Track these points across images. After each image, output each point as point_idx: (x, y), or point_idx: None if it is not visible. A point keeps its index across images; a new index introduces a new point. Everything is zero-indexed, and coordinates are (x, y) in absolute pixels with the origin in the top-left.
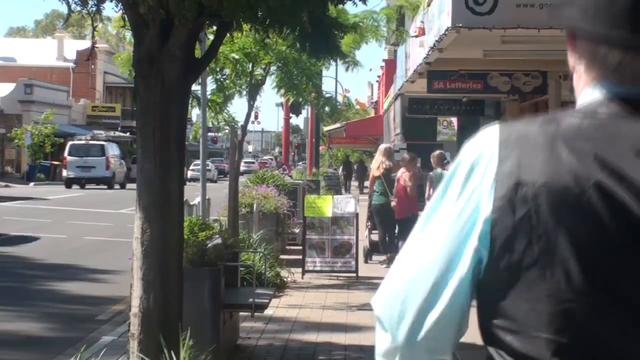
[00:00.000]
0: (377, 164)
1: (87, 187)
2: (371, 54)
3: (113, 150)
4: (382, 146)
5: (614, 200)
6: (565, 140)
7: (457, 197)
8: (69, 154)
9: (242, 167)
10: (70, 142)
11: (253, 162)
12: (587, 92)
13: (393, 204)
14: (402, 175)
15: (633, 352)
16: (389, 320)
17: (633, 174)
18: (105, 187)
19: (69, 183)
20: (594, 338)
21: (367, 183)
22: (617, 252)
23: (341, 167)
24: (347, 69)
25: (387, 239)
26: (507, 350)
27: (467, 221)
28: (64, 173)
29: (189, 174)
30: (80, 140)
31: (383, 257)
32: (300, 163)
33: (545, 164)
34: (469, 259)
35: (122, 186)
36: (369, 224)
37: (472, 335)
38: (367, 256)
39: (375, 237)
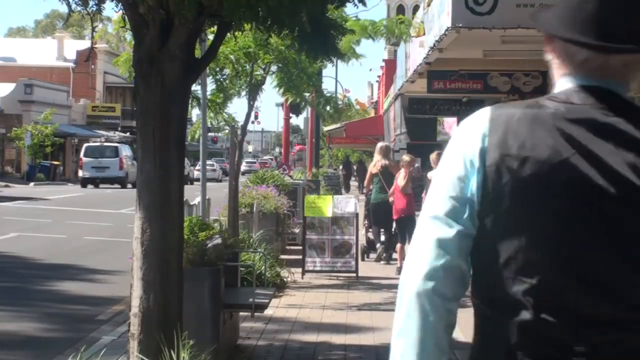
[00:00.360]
0: (374, 162)
1: (101, 186)
2: (371, 54)
3: (126, 151)
4: (379, 144)
5: (582, 171)
6: (544, 122)
7: (456, 169)
8: (85, 155)
9: (244, 167)
10: (85, 144)
11: (254, 162)
12: (562, 82)
13: (391, 199)
14: (398, 176)
15: (546, 271)
16: (410, 270)
17: (597, 150)
18: (119, 186)
19: (84, 183)
20: (555, 283)
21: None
22: (582, 213)
23: (341, 167)
24: (347, 63)
25: (381, 235)
26: (491, 297)
27: (464, 185)
28: (80, 173)
29: (195, 173)
30: (95, 142)
31: (384, 254)
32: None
33: (527, 140)
34: (469, 209)
35: (135, 185)
36: (366, 222)
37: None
38: (364, 254)
39: (372, 235)
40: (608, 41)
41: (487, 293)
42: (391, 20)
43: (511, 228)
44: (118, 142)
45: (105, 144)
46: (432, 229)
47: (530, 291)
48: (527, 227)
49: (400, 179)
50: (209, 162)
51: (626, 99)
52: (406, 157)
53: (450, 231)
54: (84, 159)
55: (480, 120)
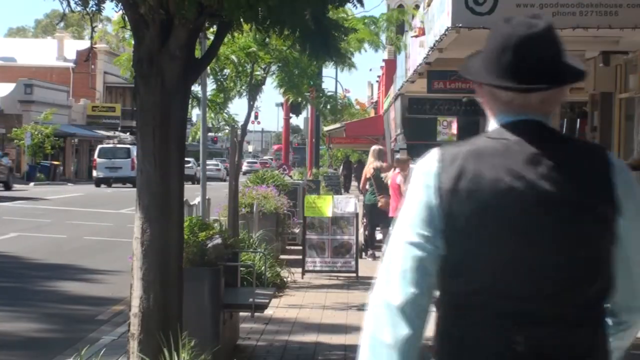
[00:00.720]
0: (367, 165)
1: (113, 185)
2: (371, 54)
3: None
4: (373, 147)
5: (516, 190)
6: (485, 157)
7: (418, 198)
8: (98, 156)
9: (245, 167)
10: (99, 146)
11: (255, 162)
12: (493, 121)
13: (380, 203)
14: (395, 175)
15: (491, 277)
16: (384, 284)
17: (526, 173)
18: (131, 185)
19: (98, 182)
20: (500, 283)
21: None
22: (520, 224)
23: (341, 167)
24: (342, 70)
25: (377, 234)
26: (447, 288)
27: (426, 210)
28: (94, 173)
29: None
30: (109, 143)
31: (370, 252)
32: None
33: (473, 173)
34: (431, 229)
35: None
36: (364, 221)
37: None
38: (362, 252)
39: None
40: (526, 84)
41: (448, 296)
42: (391, 15)
43: (465, 245)
44: (130, 144)
45: (118, 145)
46: (406, 253)
47: (481, 293)
48: (477, 243)
49: (402, 180)
50: (213, 161)
51: (547, 127)
52: (402, 157)
53: (421, 254)
54: (98, 160)
55: (431, 162)
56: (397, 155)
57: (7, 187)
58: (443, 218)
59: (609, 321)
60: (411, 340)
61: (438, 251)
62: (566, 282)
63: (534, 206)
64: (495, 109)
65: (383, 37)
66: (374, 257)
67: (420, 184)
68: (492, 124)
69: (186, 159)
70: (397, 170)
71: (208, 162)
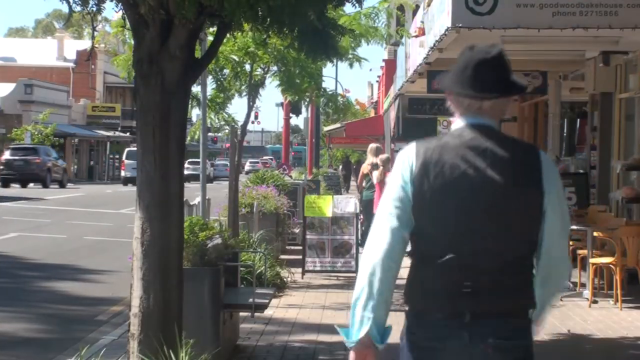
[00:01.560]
0: (366, 162)
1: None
2: (371, 54)
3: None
4: (371, 145)
5: (468, 175)
6: (448, 150)
7: (397, 179)
8: (126, 158)
9: (247, 167)
10: (127, 149)
11: (257, 162)
12: (457, 122)
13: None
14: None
15: (459, 252)
16: (372, 244)
17: (477, 162)
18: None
19: (126, 181)
20: (454, 243)
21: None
22: (471, 201)
23: (340, 167)
24: (350, 66)
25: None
26: (418, 258)
27: (402, 192)
28: (122, 173)
29: (212, 172)
30: (135, 147)
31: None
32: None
33: (438, 162)
34: (404, 209)
35: None
36: (361, 217)
37: None
38: (359, 246)
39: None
40: (480, 92)
41: (417, 252)
42: (390, 10)
43: (430, 214)
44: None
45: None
46: (389, 216)
47: (440, 249)
48: (439, 212)
49: (378, 174)
50: (222, 161)
51: (495, 129)
52: (383, 156)
53: (397, 222)
54: (126, 161)
55: (409, 153)
56: (383, 155)
57: (62, 186)
58: (414, 195)
59: (534, 271)
60: (390, 271)
61: (409, 218)
62: (502, 244)
63: (481, 187)
64: (459, 112)
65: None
66: None
67: (400, 169)
68: (456, 123)
69: (195, 159)
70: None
71: (216, 162)
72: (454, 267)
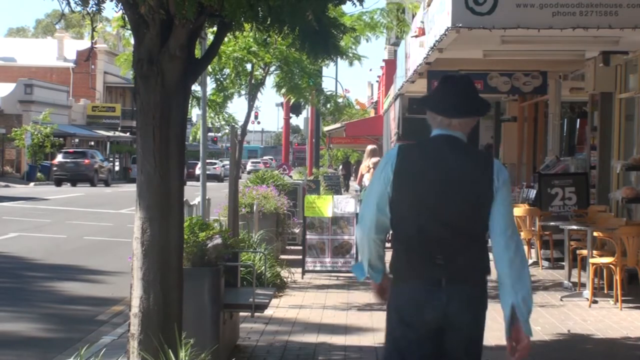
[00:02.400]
0: (363, 163)
1: None
2: (371, 54)
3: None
4: (368, 147)
5: (435, 171)
6: (422, 152)
7: (381, 172)
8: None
9: (250, 167)
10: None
11: (259, 162)
12: (434, 132)
13: None
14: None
15: (426, 229)
16: (361, 222)
17: (443, 162)
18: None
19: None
20: (423, 222)
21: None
22: (434, 189)
23: (340, 167)
24: (350, 64)
25: None
26: (397, 233)
27: (385, 182)
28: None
29: (222, 172)
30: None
31: None
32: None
33: (412, 160)
34: (385, 195)
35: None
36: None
37: None
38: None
39: None
40: (451, 112)
41: (397, 232)
42: (391, 5)
43: (403, 201)
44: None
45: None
46: (373, 202)
47: (412, 227)
48: (410, 197)
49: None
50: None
51: (460, 139)
52: (374, 159)
53: (383, 198)
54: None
55: (393, 152)
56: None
57: (107, 185)
58: (392, 183)
59: (489, 242)
60: (374, 241)
61: (389, 200)
62: (464, 222)
63: (445, 180)
64: (434, 125)
65: (382, 42)
66: None
67: (385, 163)
68: (433, 132)
69: (212, 160)
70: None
71: (210, 162)
72: (427, 243)
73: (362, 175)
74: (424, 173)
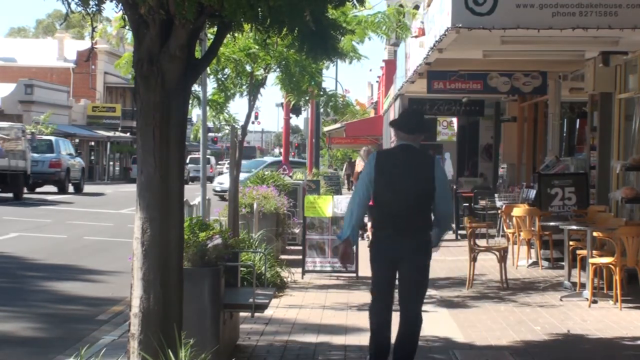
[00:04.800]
0: (358, 163)
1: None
2: (371, 55)
3: (212, 160)
4: (363, 149)
5: (397, 167)
6: (391, 156)
7: (366, 169)
8: (189, 163)
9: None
10: (190, 156)
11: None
12: (398, 142)
13: None
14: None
15: (393, 202)
16: (352, 201)
17: (403, 162)
18: (208, 181)
19: (186, 181)
20: (391, 198)
21: None
22: (397, 179)
23: (345, 166)
24: (350, 62)
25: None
26: (377, 205)
27: (369, 174)
28: (191, 174)
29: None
30: (195, 154)
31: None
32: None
33: (385, 161)
34: (369, 183)
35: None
36: None
37: (473, 335)
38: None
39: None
40: (408, 131)
41: (376, 202)
42: (391, 9)
43: (380, 186)
44: (210, 155)
45: (198, 156)
46: (361, 187)
47: (387, 201)
48: (384, 184)
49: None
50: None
51: (414, 147)
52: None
53: (366, 187)
54: (188, 165)
55: (373, 157)
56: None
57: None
58: (373, 176)
59: (432, 217)
60: (359, 211)
61: (371, 186)
62: (416, 202)
63: (404, 174)
64: (398, 138)
65: (382, 42)
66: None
67: (369, 163)
68: (397, 143)
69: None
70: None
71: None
72: (393, 210)
73: (357, 174)
74: (393, 168)
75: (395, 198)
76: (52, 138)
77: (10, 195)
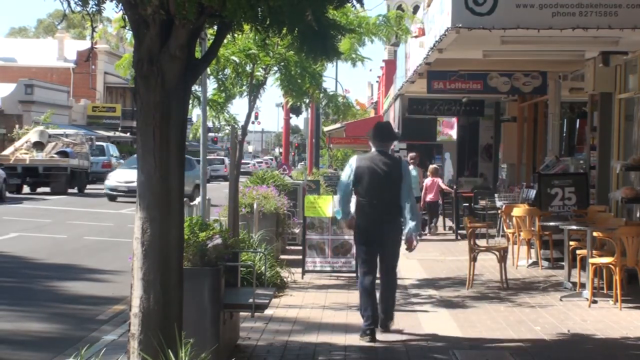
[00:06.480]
0: None
1: (213, 181)
2: (371, 55)
3: (227, 160)
4: (410, 155)
5: (374, 168)
6: (369, 160)
7: (347, 171)
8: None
9: (252, 167)
10: (207, 157)
11: (262, 162)
12: (374, 149)
13: None
14: (434, 182)
15: (373, 193)
16: (339, 191)
17: (378, 164)
18: (222, 180)
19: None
20: (370, 194)
21: None
22: (374, 179)
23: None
24: (353, 65)
25: None
26: (360, 196)
27: (349, 175)
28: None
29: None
30: (211, 155)
31: None
32: (301, 163)
33: (363, 163)
34: (350, 181)
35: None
36: None
37: (473, 335)
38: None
39: None
40: (381, 140)
41: (359, 195)
42: (392, 13)
43: (360, 184)
44: (224, 156)
45: (217, 157)
46: (344, 184)
47: (366, 196)
48: (364, 183)
49: (440, 182)
50: (250, 160)
51: (386, 152)
52: (431, 167)
53: (348, 184)
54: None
55: (354, 159)
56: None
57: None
58: (354, 175)
59: (401, 206)
60: (345, 203)
61: (352, 183)
62: (387, 196)
63: (380, 173)
64: (374, 146)
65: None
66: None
67: (349, 166)
68: (373, 149)
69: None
70: (432, 178)
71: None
72: (373, 203)
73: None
74: (370, 170)
75: (373, 194)
76: (104, 143)
77: (75, 190)
